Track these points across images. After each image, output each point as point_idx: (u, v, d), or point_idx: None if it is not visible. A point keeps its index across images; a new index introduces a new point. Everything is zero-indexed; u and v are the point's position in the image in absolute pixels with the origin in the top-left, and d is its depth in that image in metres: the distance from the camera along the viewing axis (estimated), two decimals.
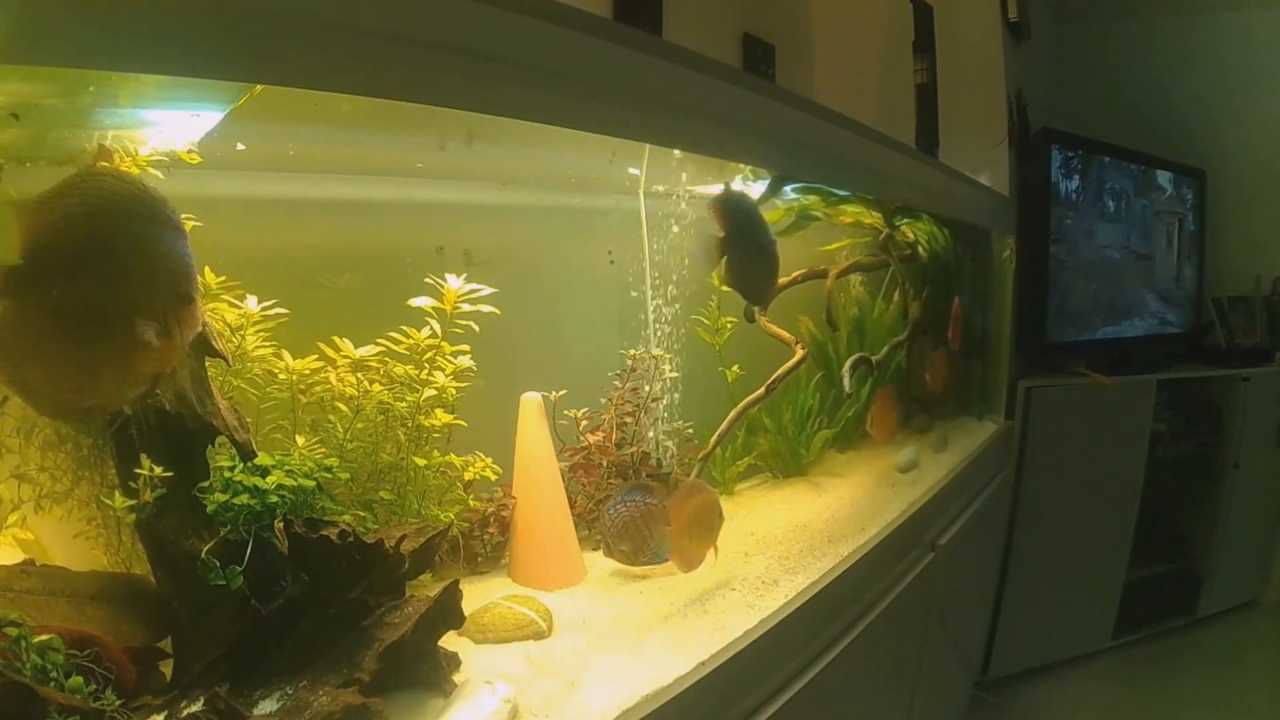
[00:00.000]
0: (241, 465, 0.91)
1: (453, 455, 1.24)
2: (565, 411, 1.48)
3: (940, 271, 2.36)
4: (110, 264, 0.67)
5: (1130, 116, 3.80)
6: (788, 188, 1.85)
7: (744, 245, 1.31)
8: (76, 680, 0.74)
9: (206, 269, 0.99)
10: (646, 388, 1.60)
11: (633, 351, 1.59)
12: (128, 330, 0.68)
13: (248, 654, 0.87)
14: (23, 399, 0.69)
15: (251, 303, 1.04)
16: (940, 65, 2.67)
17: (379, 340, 1.16)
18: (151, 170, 0.89)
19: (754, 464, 1.91)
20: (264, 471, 0.91)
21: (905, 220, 2.23)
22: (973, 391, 2.80)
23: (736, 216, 1.31)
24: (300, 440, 1.07)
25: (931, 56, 2.64)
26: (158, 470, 0.84)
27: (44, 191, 0.65)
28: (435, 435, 1.22)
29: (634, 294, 1.68)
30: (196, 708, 0.78)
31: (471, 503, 1.28)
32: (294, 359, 1.10)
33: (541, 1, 0.85)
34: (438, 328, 1.19)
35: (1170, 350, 3.60)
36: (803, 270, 1.94)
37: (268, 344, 1.08)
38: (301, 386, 1.12)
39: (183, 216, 0.91)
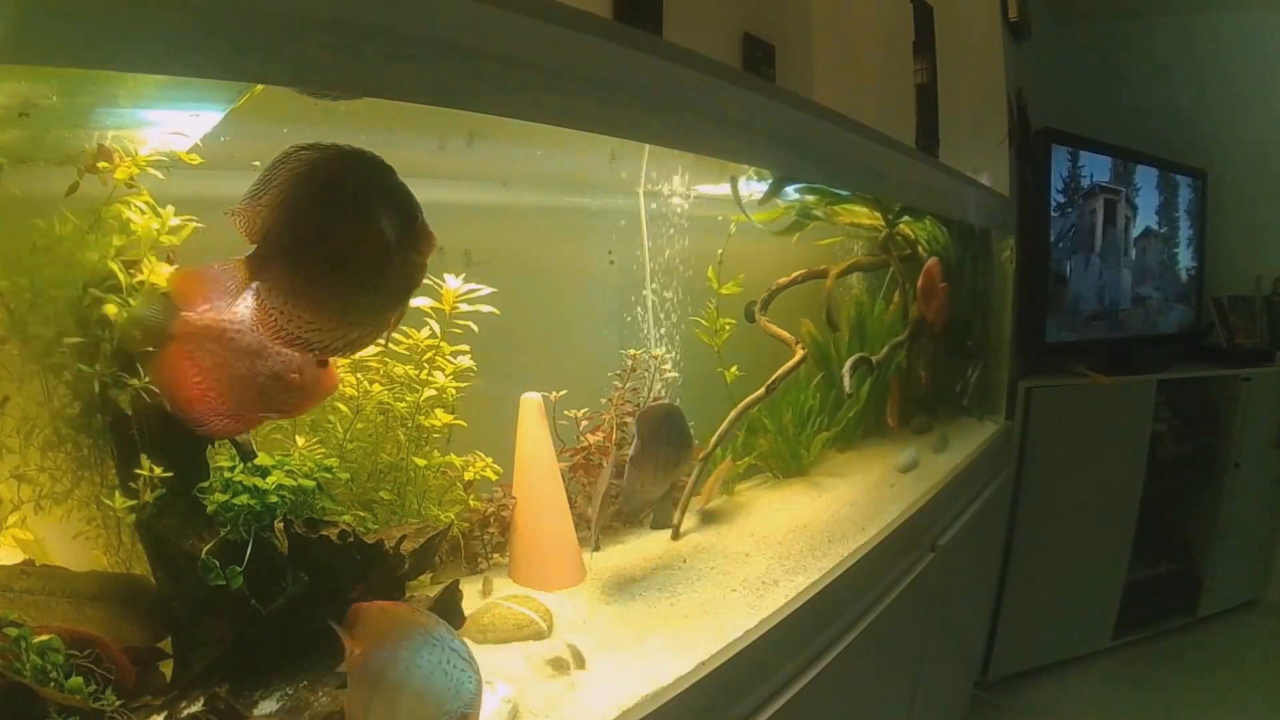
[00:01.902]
0: (241, 465, 0.91)
1: (453, 455, 1.24)
2: (565, 411, 1.48)
3: (940, 271, 2.35)
4: (330, 212, 0.73)
5: (1130, 116, 3.80)
6: (790, 188, 1.85)
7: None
8: (76, 681, 0.74)
9: None
10: (646, 388, 1.60)
11: (633, 351, 1.59)
12: (367, 258, 0.74)
13: (248, 654, 0.87)
14: (301, 351, 0.78)
15: None
16: (940, 65, 2.66)
17: (378, 340, 1.16)
18: (151, 170, 0.89)
19: (754, 464, 1.91)
20: (264, 471, 0.91)
21: (906, 220, 2.22)
22: (967, 382, 2.80)
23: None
24: (300, 440, 1.07)
25: (931, 56, 2.63)
26: (158, 470, 0.84)
27: (248, 190, 0.72)
28: (435, 435, 1.22)
29: (634, 296, 1.68)
30: (196, 708, 0.79)
31: (471, 503, 1.28)
32: None
33: (541, 1, 0.85)
34: (437, 328, 1.19)
35: (1170, 350, 3.60)
36: (803, 270, 1.95)
37: None
38: None
39: (183, 217, 0.92)
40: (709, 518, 1.64)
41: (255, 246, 0.73)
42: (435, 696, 0.74)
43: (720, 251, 1.75)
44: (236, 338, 0.85)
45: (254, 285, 0.73)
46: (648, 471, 1.31)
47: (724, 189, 1.79)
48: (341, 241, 0.74)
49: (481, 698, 0.79)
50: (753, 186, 1.78)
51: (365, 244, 0.74)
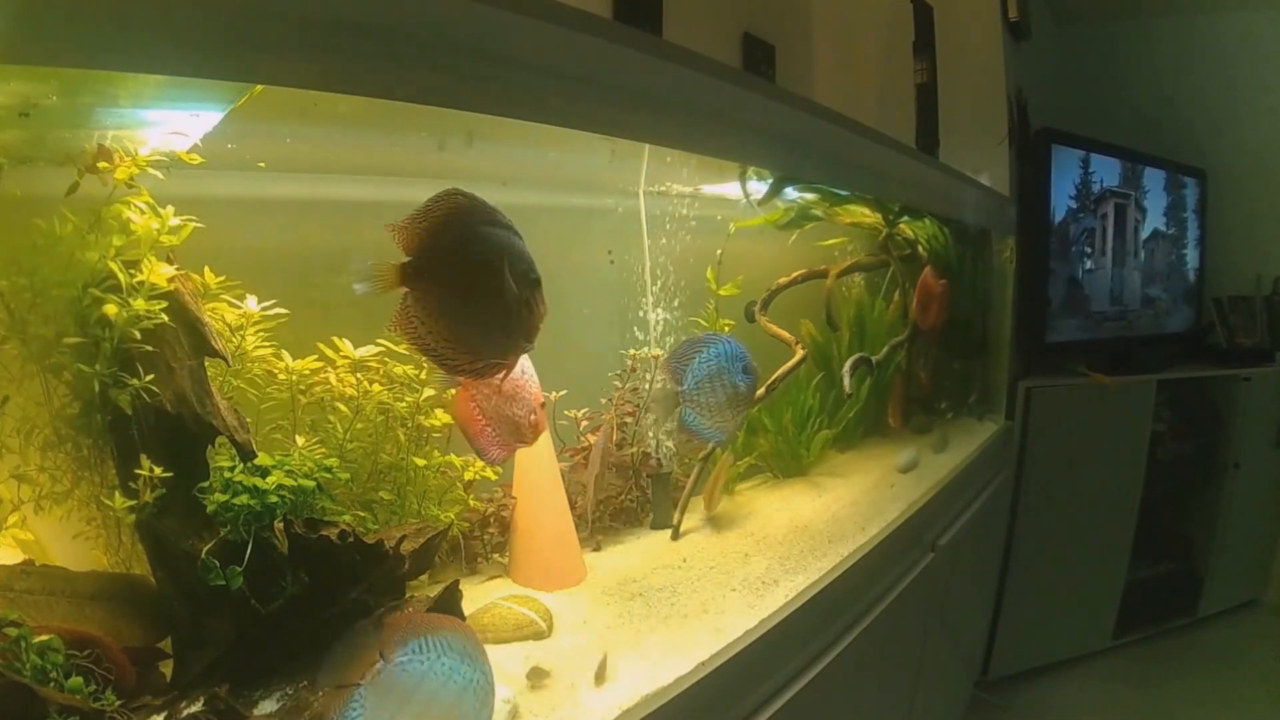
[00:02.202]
0: (241, 465, 0.91)
1: (453, 455, 1.24)
2: (565, 411, 1.48)
3: (940, 271, 2.35)
4: (478, 253, 0.85)
5: (1130, 116, 3.80)
6: (790, 189, 1.85)
7: None
8: (76, 680, 0.74)
9: (206, 269, 0.99)
10: (646, 388, 1.60)
11: (633, 352, 1.59)
12: (502, 303, 0.86)
13: (248, 654, 0.87)
14: (433, 366, 0.88)
15: (251, 303, 1.04)
16: (940, 65, 2.67)
17: (379, 340, 1.16)
18: (151, 170, 0.89)
19: (754, 464, 1.91)
20: (264, 472, 0.91)
21: (905, 219, 2.22)
22: (970, 384, 2.80)
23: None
24: (300, 440, 1.07)
25: (931, 56, 2.64)
26: (158, 470, 0.84)
27: (412, 212, 0.82)
28: (435, 435, 1.22)
29: (634, 296, 1.68)
30: (196, 708, 0.79)
31: (471, 503, 1.28)
32: (294, 359, 1.10)
33: (541, 1, 0.85)
34: None
35: (1170, 350, 3.60)
36: (803, 270, 1.95)
37: (268, 344, 1.07)
38: (301, 387, 1.11)
39: (183, 217, 0.92)
40: (709, 518, 1.64)
41: (410, 259, 0.82)
42: (466, 710, 0.74)
43: (719, 252, 1.75)
44: (504, 387, 1.08)
45: (404, 292, 0.83)
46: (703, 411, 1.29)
47: (724, 189, 1.79)
48: (484, 282, 0.85)
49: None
50: (752, 186, 1.77)
51: (502, 290, 0.85)
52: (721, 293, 1.73)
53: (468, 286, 0.85)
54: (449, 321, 0.84)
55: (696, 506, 1.65)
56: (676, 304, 1.71)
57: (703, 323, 1.74)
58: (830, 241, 2.13)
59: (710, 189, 1.79)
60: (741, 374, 1.30)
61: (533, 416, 1.12)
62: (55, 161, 0.84)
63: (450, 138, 1.26)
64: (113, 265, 0.86)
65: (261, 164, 1.12)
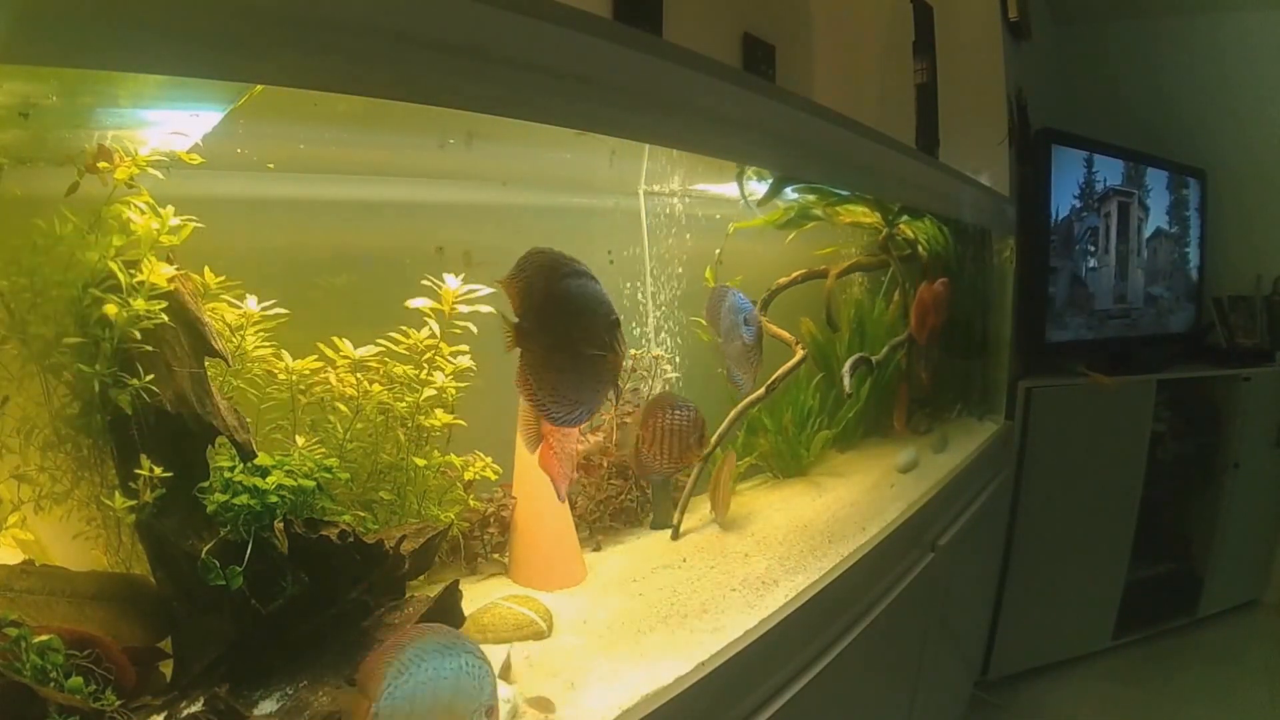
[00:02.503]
0: (241, 465, 0.91)
1: (453, 455, 1.24)
2: None
3: (940, 271, 2.35)
4: (562, 310, 0.92)
5: (1130, 116, 3.80)
6: (789, 189, 1.85)
7: None
8: (76, 680, 0.74)
9: (206, 269, 0.99)
10: (646, 387, 1.60)
11: (633, 351, 1.59)
12: (588, 355, 0.95)
13: (248, 654, 0.87)
14: (540, 415, 0.99)
15: (251, 303, 1.04)
16: (940, 65, 2.67)
17: (379, 340, 1.16)
18: (151, 170, 0.89)
19: (754, 464, 1.91)
20: (264, 472, 0.91)
21: (905, 219, 2.22)
22: (970, 391, 2.80)
23: None
24: (300, 440, 1.07)
25: (931, 56, 2.64)
26: (158, 470, 0.84)
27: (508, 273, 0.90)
28: (435, 435, 1.22)
29: (637, 296, 1.68)
30: (196, 708, 0.79)
31: (471, 503, 1.28)
32: (294, 359, 1.10)
33: (541, 1, 0.85)
34: (436, 328, 1.19)
35: (1170, 350, 3.59)
36: (803, 270, 1.94)
37: (268, 344, 1.07)
38: (301, 387, 1.11)
39: (183, 217, 0.92)
40: (709, 517, 1.64)
41: (519, 318, 0.91)
42: (467, 697, 0.76)
43: (718, 252, 1.75)
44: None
45: (520, 350, 0.92)
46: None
47: (723, 189, 1.79)
48: (571, 336, 0.94)
49: (497, 686, 0.80)
50: (752, 186, 1.77)
51: (588, 345, 0.94)
52: None
53: (559, 343, 0.93)
54: (551, 377, 0.93)
55: (696, 506, 1.65)
56: (677, 304, 1.71)
57: (704, 322, 1.74)
58: (823, 251, 2.13)
59: (712, 189, 1.79)
60: (743, 325, 1.35)
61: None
62: (55, 161, 0.84)
63: (450, 138, 1.26)
64: (113, 265, 0.86)
65: (270, 165, 1.12)
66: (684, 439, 1.30)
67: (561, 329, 0.92)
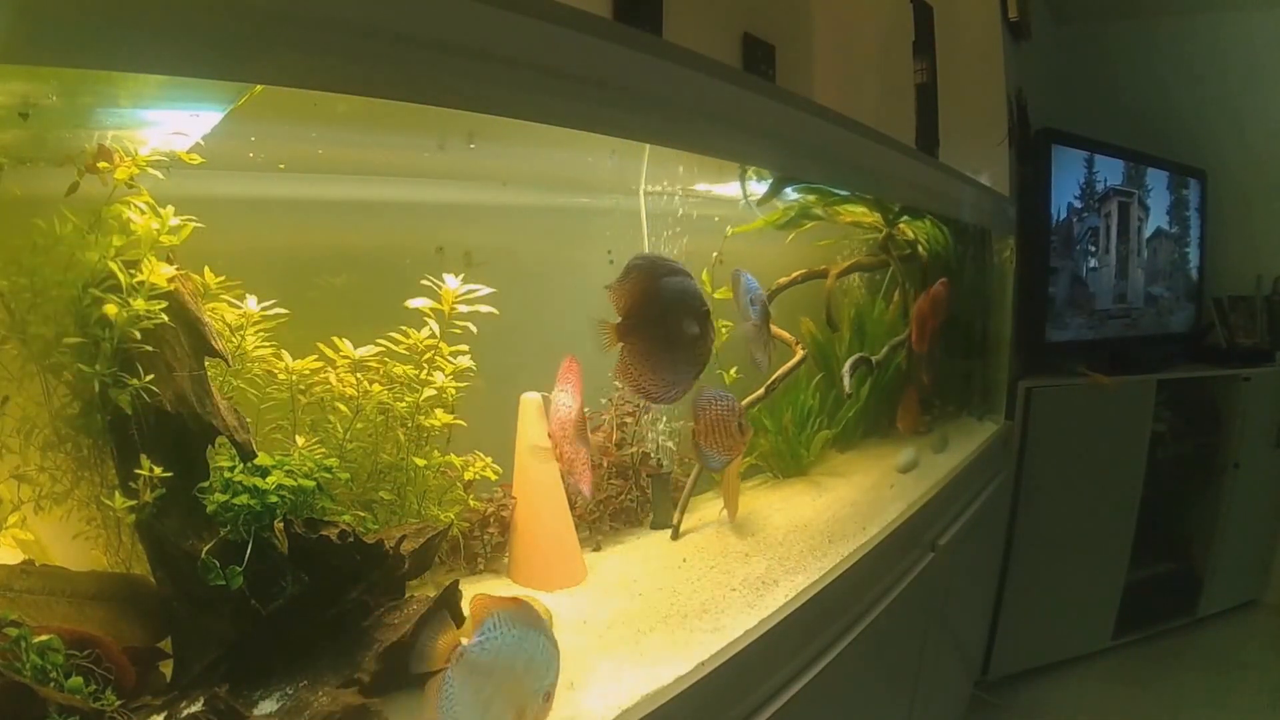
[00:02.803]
0: (241, 465, 0.91)
1: (453, 455, 1.24)
2: None
3: (940, 271, 2.36)
4: (663, 305, 1.08)
5: (1130, 116, 3.80)
6: (789, 189, 1.85)
7: None
8: (76, 680, 0.74)
9: (206, 269, 0.99)
10: None
11: None
12: (686, 342, 1.11)
13: (248, 654, 0.87)
14: (644, 399, 1.16)
15: (251, 303, 1.04)
16: (940, 65, 2.67)
17: (379, 340, 1.16)
18: (151, 170, 0.89)
19: (754, 464, 1.91)
20: (264, 472, 0.91)
21: (905, 219, 2.22)
22: (971, 393, 2.80)
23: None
24: (300, 440, 1.07)
25: (931, 56, 2.64)
26: (157, 471, 0.84)
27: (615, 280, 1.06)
28: (435, 435, 1.22)
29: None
30: (196, 708, 0.79)
31: (471, 503, 1.28)
32: (294, 359, 1.10)
33: (541, 1, 0.85)
34: (436, 328, 1.19)
35: (1170, 350, 3.60)
36: (803, 270, 1.94)
37: (268, 344, 1.07)
38: (301, 387, 1.11)
39: (184, 217, 0.92)
40: (709, 517, 1.64)
41: (622, 318, 1.07)
42: (534, 676, 0.84)
43: (716, 254, 1.75)
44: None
45: (621, 345, 1.07)
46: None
47: (723, 189, 1.79)
48: (672, 328, 1.09)
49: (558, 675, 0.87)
50: (752, 187, 1.77)
51: (684, 332, 1.10)
52: (716, 296, 1.73)
53: (661, 335, 1.09)
54: (653, 364, 1.09)
55: (696, 506, 1.65)
56: None
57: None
58: (824, 243, 2.13)
59: (714, 189, 1.79)
60: (750, 306, 1.42)
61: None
62: (55, 161, 0.84)
63: (450, 138, 1.26)
64: (113, 265, 0.86)
65: (282, 166, 1.12)
66: (728, 426, 1.38)
67: (660, 319, 1.08)
